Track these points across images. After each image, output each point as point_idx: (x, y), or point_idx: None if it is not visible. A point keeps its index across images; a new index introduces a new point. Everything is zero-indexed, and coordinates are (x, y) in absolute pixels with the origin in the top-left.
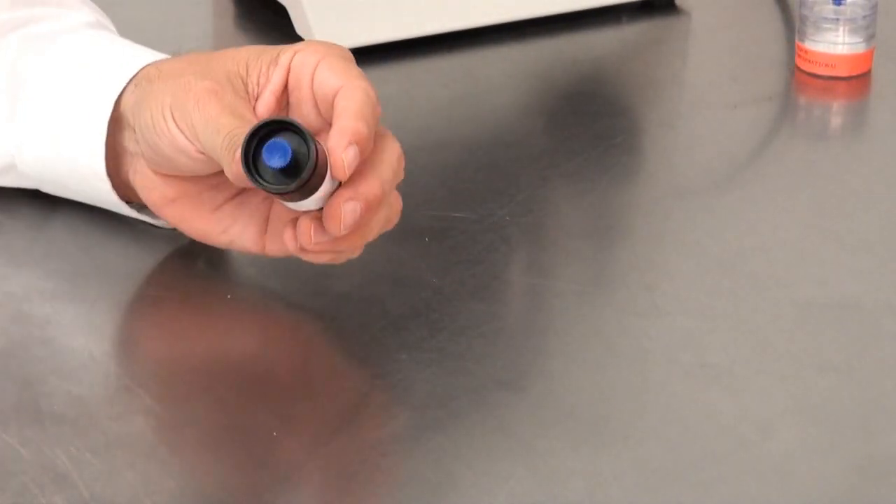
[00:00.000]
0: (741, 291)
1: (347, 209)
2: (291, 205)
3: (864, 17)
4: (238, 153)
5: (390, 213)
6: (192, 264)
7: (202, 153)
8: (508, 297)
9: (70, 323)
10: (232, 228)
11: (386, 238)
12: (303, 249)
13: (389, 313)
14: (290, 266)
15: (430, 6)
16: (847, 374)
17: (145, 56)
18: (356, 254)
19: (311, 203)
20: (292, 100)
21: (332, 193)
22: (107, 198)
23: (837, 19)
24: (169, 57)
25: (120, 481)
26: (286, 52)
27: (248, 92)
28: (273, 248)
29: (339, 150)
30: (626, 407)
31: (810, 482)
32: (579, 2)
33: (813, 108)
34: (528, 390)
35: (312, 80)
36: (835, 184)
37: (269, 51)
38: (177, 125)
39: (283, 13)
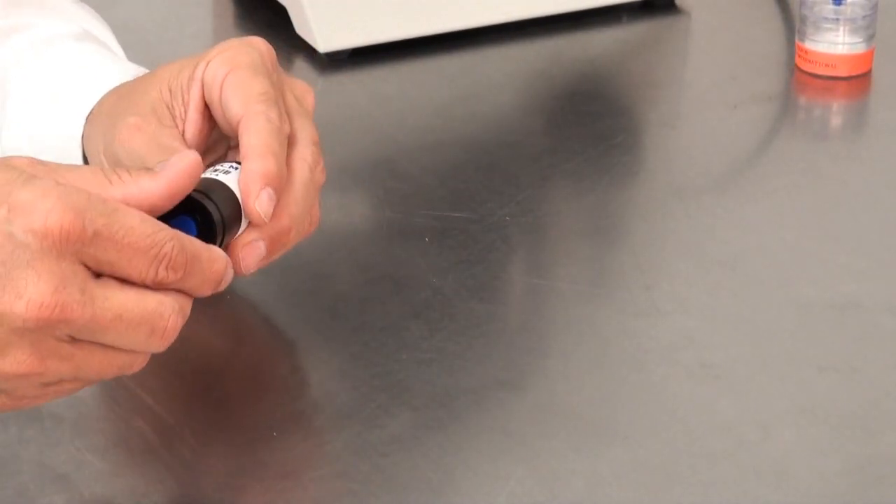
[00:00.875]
0: (741, 291)
1: (248, 252)
2: None
3: (864, 17)
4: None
5: (302, 229)
6: None
7: None
8: (508, 297)
9: None
10: None
11: (386, 238)
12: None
13: (389, 313)
14: (289, 266)
15: (430, 6)
16: (847, 374)
17: (106, 81)
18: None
19: None
20: (214, 115)
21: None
22: None
23: (837, 19)
24: (133, 73)
25: (120, 481)
26: (200, 63)
27: (174, 116)
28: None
29: (252, 199)
30: (626, 407)
31: (810, 482)
32: (579, 2)
33: (813, 108)
34: (528, 390)
35: (220, 100)
36: (835, 184)
37: (188, 66)
38: (109, 165)
39: (283, 13)
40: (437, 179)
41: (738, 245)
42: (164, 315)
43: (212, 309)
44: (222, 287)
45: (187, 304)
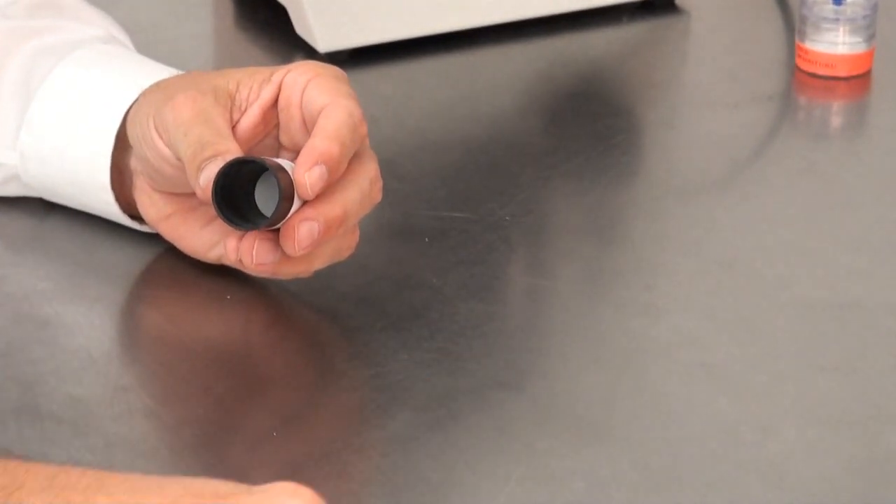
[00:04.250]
0: (741, 291)
1: (304, 229)
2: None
3: (864, 17)
4: (200, 180)
5: (342, 245)
6: (191, 264)
7: (180, 160)
8: (508, 297)
9: (70, 323)
10: (220, 246)
11: (386, 238)
12: (241, 263)
13: (389, 313)
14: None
15: (430, 6)
16: (847, 374)
17: (152, 74)
18: (305, 275)
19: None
20: (282, 119)
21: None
22: (110, 209)
23: (837, 19)
24: (176, 72)
25: None
26: (280, 71)
27: (234, 105)
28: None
29: (303, 170)
30: (626, 407)
31: (810, 482)
32: (579, 2)
33: (813, 108)
34: (528, 390)
35: (302, 98)
36: (835, 184)
37: (264, 70)
38: (157, 133)
39: (283, 13)
40: (437, 179)
41: (738, 245)
42: None
43: (212, 309)
44: None
45: None
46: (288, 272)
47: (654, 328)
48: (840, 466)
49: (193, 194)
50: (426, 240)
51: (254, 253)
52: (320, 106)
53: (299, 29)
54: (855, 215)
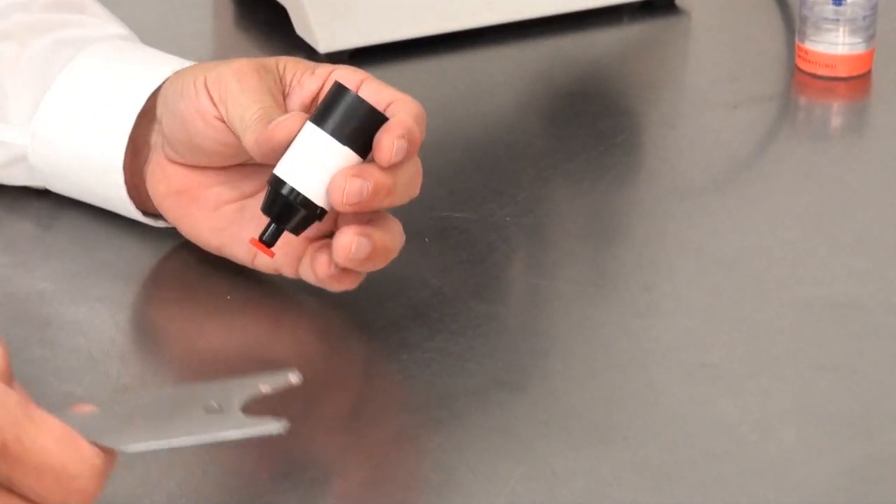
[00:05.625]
0: (741, 291)
1: (354, 181)
2: (322, 152)
3: (864, 17)
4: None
5: (392, 242)
6: (192, 264)
7: (220, 120)
8: (508, 297)
9: (70, 323)
10: (226, 231)
11: None
12: (318, 278)
13: (389, 313)
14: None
15: (431, 6)
16: (847, 374)
17: (175, 64)
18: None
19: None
20: None
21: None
22: (115, 192)
23: (837, 19)
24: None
25: (120, 481)
26: (323, 67)
27: (283, 85)
28: (262, 261)
29: (392, 137)
30: (625, 407)
31: (810, 482)
32: (579, 2)
33: (813, 108)
34: (528, 390)
35: (357, 91)
36: (835, 184)
37: (309, 63)
38: (207, 90)
39: (283, 13)
40: (437, 179)
41: (738, 245)
42: (82, 477)
43: (212, 310)
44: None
45: None
46: (347, 277)
47: (655, 328)
48: (840, 466)
49: (210, 173)
50: (426, 240)
51: (343, 193)
52: (388, 100)
53: (299, 29)
54: (855, 215)
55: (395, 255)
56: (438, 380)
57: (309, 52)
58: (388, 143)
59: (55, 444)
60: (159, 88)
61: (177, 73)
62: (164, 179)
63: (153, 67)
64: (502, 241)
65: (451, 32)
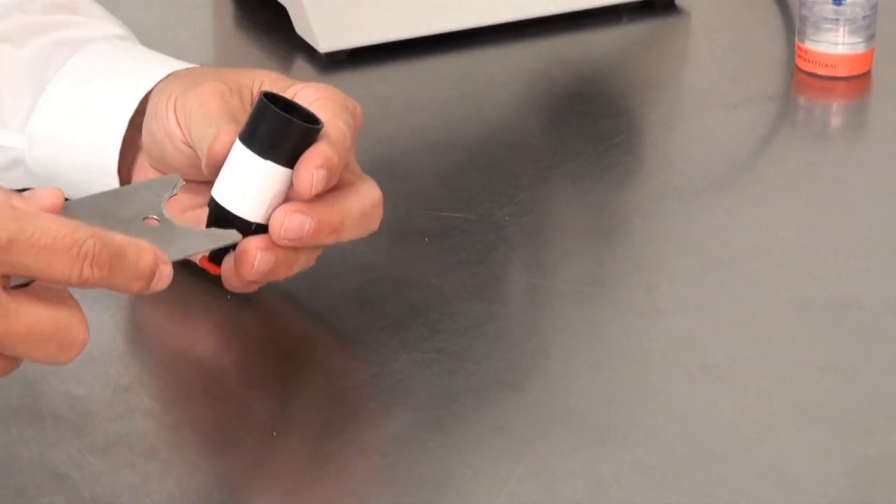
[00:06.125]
0: (741, 291)
1: (296, 220)
2: (260, 170)
3: (864, 17)
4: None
5: (310, 258)
6: (191, 264)
7: (187, 144)
8: (508, 297)
9: None
10: None
11: (386, 238)
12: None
13: (389, 313)
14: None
15: (430, 6)
16: (847, 374)
17: (172, 65)
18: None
19: (257, 202)
20: None
21: (275, 207)
22: None
23: (837, 19)
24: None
25: (120, 481)
26: (296, 86)
27: (252, 105)
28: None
29: (310, 169)
30: (626, 407)
31: (810, 482)
32: (579, 2)
33: (813, 108)
34: (528, 390)
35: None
36: (835, 184)
37: (283, 80)
38: (175, 112)
39: (283, 13)
40: (437, 179)
41: (738, 245)
42: (73, 329)
43: (212, 310)
44: (158, 285)
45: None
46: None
47: (655, 328)
48: (840, 466)
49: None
50: (426, 240)
51: (283, 228)
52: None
53: (299, 29)
54: (855, 215)
55: (300, 268)
56: (438, 380)
57: (309, 52)
58: (306, 175)
59: (55, 223)
60: (152, 90)
61: (161, 85)
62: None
63: (145, 70)
64: (502, 241)
65: (451, 32)
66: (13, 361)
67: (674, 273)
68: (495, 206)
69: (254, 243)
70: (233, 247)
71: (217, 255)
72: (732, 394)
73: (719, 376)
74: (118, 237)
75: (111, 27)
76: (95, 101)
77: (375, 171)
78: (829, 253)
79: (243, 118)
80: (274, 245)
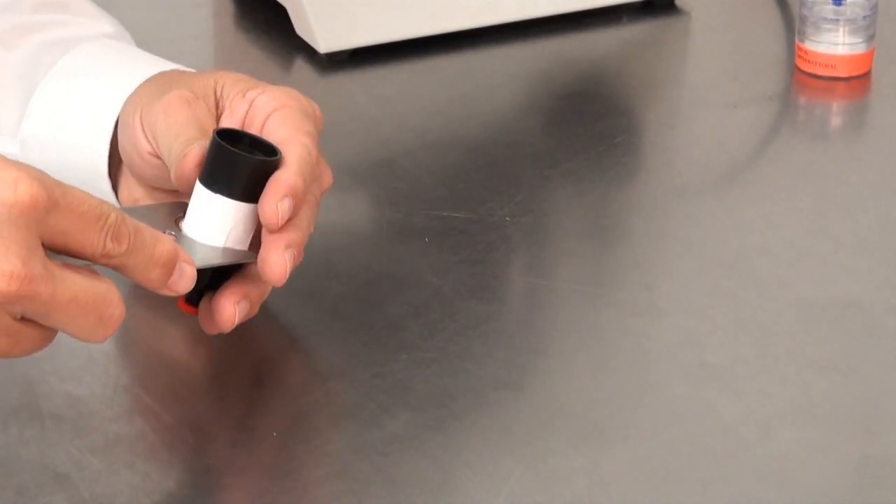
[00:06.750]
0: (741, 291)
1: (288, 255)
2: (222, 209)
3: (864, 17)
4: (191, 151)
5: (263, 291)
6: None
7: (155, 156)
8: (508, 297)
9: None
10: None
11: (386, 238)
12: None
13: (389, 313)
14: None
15: (430, 6)
16: (847, 374)
17: (156, 66)
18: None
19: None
20: None
21: (246, 241)
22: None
23: (837, 19)
24: (182, 67)
25: (120, 481)
26: (256, 88)
27: (217, 111)
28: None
29: (274, 200)
30: (626, 407)
31: (810, 482)
32: (579, 2)
33: (813, 108)
34: (528, 390)
35: (263, 126)
36: (835, 184)
37: (244, 82)
38: (141, 124)
39: (283, 13)
40: (437, 179)
41: (738, 245)
42: (113, 302)
43: None
44: (180, 284)
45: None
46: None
47: (654, 328)
48: (840, 466)
49: (155, 188)
50: (426, 240)
51: (276, 272)
52: (279, 140)
53: (299, 29)
54: (855, 215)
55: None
56: (438, 380)
57: (309, 52)
58: (271, 209)
59: (87, 194)
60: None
61: (134, 93)
62: (126, 188)
63: (131, 71)
64: (502, 241)
65: (451, 32)
66: (49, 334)
67: (674, 273)
68: (495, 206)
69: (228, 299)
70: (223, 279)
71: (193, 298)
72: (732, 394)
73: (719, 376)
74: (136, 222)
75: (102, 25)
76: (84, 103)
77: (375, 171)
78: (829, 253)
79: (209, 124)
80: (246, 291)
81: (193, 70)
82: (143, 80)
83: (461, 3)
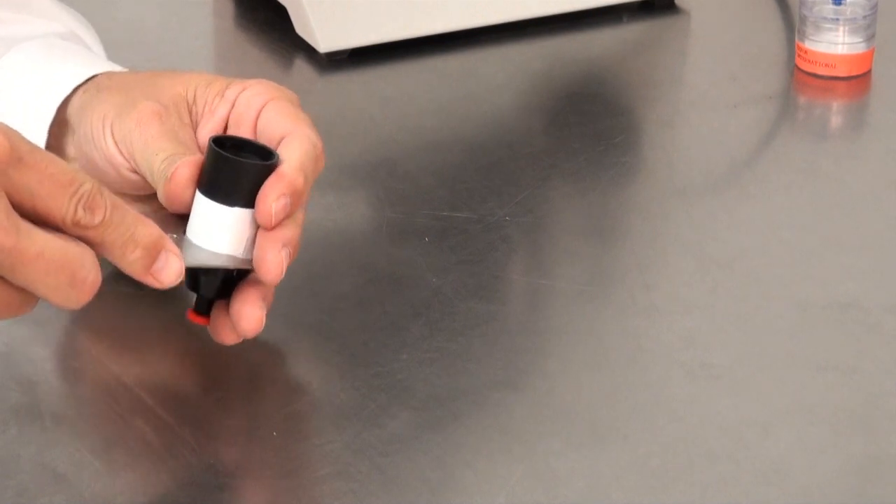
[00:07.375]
0: (741, 291)
1: (284, 254)
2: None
3: (864, 17)
4: (176, 171)
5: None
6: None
7: (135, 172)
8: (508, 297)
9: (70, 323)
10: None
11: (386, 238)
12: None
13: (389, 313)
14: (289, 265)
15: (430, 6)
16: (847, 374)
17: (100, 65)
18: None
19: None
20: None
21: (245, 237)
22: None
23: (837, 19)
24: (125, 70)
25: (120, 481)
26: (234, 86)
27: (191, 118)
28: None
29: (271, 200)
30: (626, 407)
31: (810, 482)
32: (579, 2)
33: (813, 107)
34: (528, 390)
35: (257, 120)
36: (835, 184)
37: (218, 82)
38: (114, 140)
39: (283, 13)
40: (437, 179)
41: (738, 245)
42: (87, 265)
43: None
44: (164, 274)
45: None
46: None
47: (654, 328)
48: (840, 466)
49: (128, 197)
50: (426, 240)
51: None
52: (281, 133)
53: (299, 29)
54: (855, 215)
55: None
56: (438, 380)
57: (309, 52)
58: (265, 208)
59: (60, 160)
60: (71, 97)
61: (92, 97)
62: None
63: (60, 77)
64: (502, 241)
65: (451, 32)
66: (24, 297)
67: (674, 273)
68: (495, 206)
69: (253, 304)
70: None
71: (203, 308)
72: (732, 394)
73: (719, 376)
74: (122, 201)
75: (51, 24)
76: (18, 108)
77: (375, 171)
78: (829, 253)
79: (184, 134)
80: (263, 293)
81: (138, 71)
82: (78, 81)
83: (461, 3)
